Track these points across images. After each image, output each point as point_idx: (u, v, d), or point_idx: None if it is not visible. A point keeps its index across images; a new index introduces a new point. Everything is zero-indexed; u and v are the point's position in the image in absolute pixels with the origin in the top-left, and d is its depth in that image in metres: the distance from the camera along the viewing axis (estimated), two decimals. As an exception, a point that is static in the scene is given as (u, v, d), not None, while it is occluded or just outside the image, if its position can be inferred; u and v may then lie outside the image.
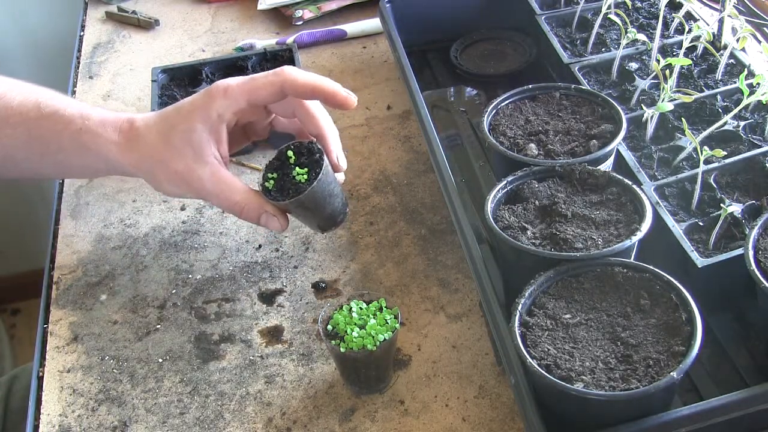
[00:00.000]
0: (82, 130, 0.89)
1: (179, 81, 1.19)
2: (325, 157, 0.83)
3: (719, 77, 1.02)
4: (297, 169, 0.83)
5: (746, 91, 0.89)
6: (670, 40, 1.08)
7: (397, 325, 0.79)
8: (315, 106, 0.89)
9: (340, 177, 0.90)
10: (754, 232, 0.76)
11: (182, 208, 1.08)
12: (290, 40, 1.35)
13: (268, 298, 0.95)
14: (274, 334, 0.90)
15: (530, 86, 0.98)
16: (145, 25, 1.47)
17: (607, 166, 0.89)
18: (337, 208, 0.86)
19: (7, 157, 0.93)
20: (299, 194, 0.81)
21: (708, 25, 1.10)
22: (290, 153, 0.85)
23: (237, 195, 0.85)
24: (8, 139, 0.91)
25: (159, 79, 1.17)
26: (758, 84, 0.90)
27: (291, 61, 1.19)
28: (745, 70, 0.99)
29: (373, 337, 0.78)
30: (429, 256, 0.98)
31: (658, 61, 0.95)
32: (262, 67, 1.20)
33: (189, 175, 0.84)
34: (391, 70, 1.29)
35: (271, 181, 0.85)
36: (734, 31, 1.04)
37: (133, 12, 1.49)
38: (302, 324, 0.91)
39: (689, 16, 1.09)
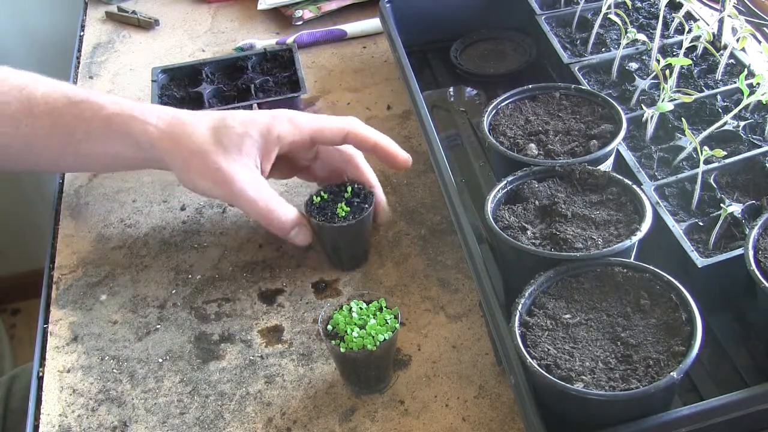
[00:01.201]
0: (115, 114, 0.88)
1: (179, 81, 1.19)
2: (371, 207, 0.91)
3: (719, 77, 1.02)
4: (342, 204, 0.92)
5: (746, 91, 0.89)
6: (670, 40, 1.08)
7: (397, 325, 0.79)
8: (364, 161, 0.94)
9: (385, 217, 0.98)
10: (754, 232, 0.76)
11: (182, 208, 1.08)
12: (290, 40, 1.35)
13: (268, 297, 0.95)
14: (274, 334, 0.90)
15: (530, 86, 0.98)
16: (145, 25, 1.47)
17: (607, 166, 0.89)
18: (357, 254, 0.96)
19: (26, 147, 0.92)
20: (335, 222, 0.90)
21: (708, 25, 1.10)
22: (349, 188, 0.93)
23: (278, 204, 0.87)
24: (29, 128, 0.90)
25: (159, 79, 1.17)
26: (758, 84, 0.90)
27: (291, 62, 1.19)
28: (745, 70, 0.99)
29: (373, 337, 0.78)
30: (429, 256, 0.98)
31: (658, 61, 0.95)
32: (261, 67, 1.20)
33: (229, 175, 0.84)
34: (391, 70, 1.29)
35: (319, 199, 0.93)
36: (734, 31, 1.04)
37: (133, 12, 1.49)
38: (302, 324, 0.91)
39: (689, 16, 1.09)
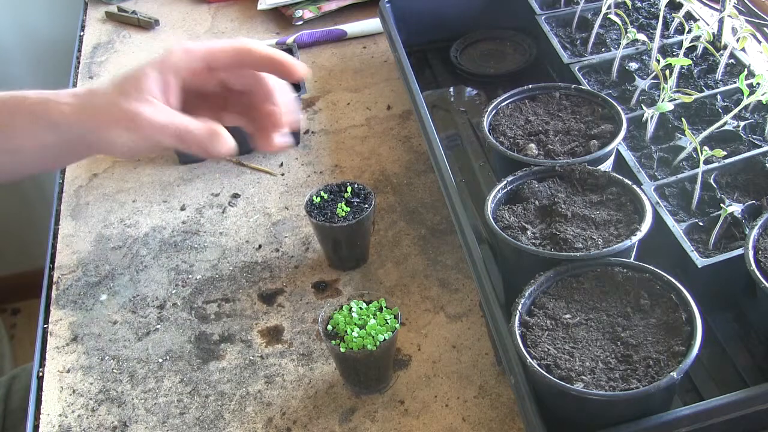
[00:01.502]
0: (37, 103, 0.87)
1: None
2: (371, 207, 0.92)
3: (719, 77, 1.02)
4: (342, 204, 0.93)
5: (746, 91, 0.89)
6: (670, 40, 1.08)
7: (397, 325, 0.79)
8: (273, 80, 0.89)
9: (297, 119, 0.91)
10: (754, 232, 0.76)
11: (182, 208, 1.08)
12: (290, 40, 1.35)
13: (268, 298, 0.95)
14: (274, 334, 0.90)
15: (530, 86, 0.98)
16: (145, 25, 1.47)
17: (607, 166, 0.89)
18: (357, 254, 0.97)
19: None
20: (335, 222, 0.91)
21: (708, 25, 1.10)
22: (349, 188, 0.95)
23: (189, 120, 0.84)
24: None
25: None
26: (758, 84, 0.90)
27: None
28: (745, 70, 0.99)
29: (373, 337, 0.78)
30: (429, 256, 0.98)
31: (658, 61, 0.95)
32: None
33: (133, 113, 0.83)
34: (391, 70, 1.29)
35: (319, 199, 0.94)
36: (734, 31, 1.04)
37: (133, 12, 1.49)
38: (302, 324, 0.91)
39: (689, 16, 1.09)
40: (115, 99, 0.85)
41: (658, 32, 1.04)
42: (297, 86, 1.14)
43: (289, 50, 1.21)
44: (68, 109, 0.88)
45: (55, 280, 0.99)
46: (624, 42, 1.03)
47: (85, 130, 0.88)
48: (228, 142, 0.83)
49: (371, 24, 1.37)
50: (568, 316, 0.72)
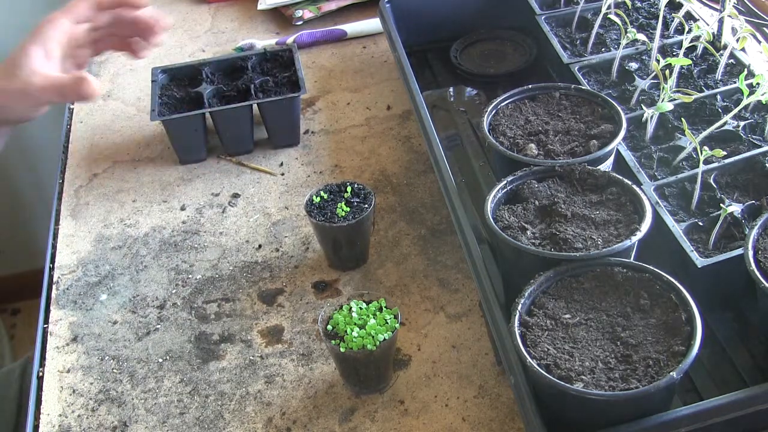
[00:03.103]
0: None
1: (179, 81, 1.19)
2: (371, 207, 0.92)
3: (719, 77, 1.02)
4: (342, 204, 0.93)
5: (746, 91, 0.89)
6: (670, 40, 1.08)
7: (397, 325, 0.79)
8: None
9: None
10: (754, 232, 0.76)
11: (182, 208, 1.08)
12: (290, 40, 1.35)
13: (268, 298, 0.95)
14: (274, 334, 0.90)
15: (530, 86, 0.98)
16: (145, 25, 1.47)
17: (607, 166, 0.89)
18: (357, 254, 0.96)
19: None
20: (335, 222, 0.92)
21: (708, 25, 1.10)
22: (349, 188, 0.95)
23: (59, 76, 0.94)
24: None
25: (159, 79, 1.17)
26: (758, 84, 0.90)
27: (291, 62, 1.19)
28: (745, 70, 0.99)
29: (373, 337, 0.78)
30: (429, 256, 0.98)
31: (658, 61, 0.95)
32: (261, 67, 1.20)
33: (22, 87, 0.93)
34: (391, 70, 1.29)
35: (319, 199, 0.94)
36: (734, 31, 1.04)
37: (133, 12, 1.49)
38: (302, 324, 0.91)
39: (689, 16, 1.09)
40: (3, 83, 0.95)
41: (658, 32, 1.04)
42: (297, 86, 1.14)
43: (289, 50, 1.21)
44: None
45: (55, 280, 0.99)
46: (624, 42, 1.03)
47: None
48: (93, 86, 0.93)
49: (371, 24, 1.37)
50: (567, 316, 0.72)
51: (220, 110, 1.11)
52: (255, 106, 1.13)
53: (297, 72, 1.16)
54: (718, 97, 0.98)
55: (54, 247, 1.04)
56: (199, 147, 1.15)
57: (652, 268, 0.74)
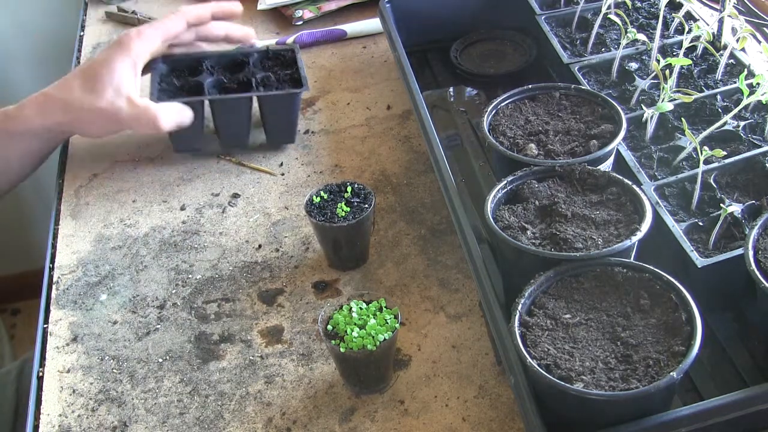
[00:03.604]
0: (6, 118, 1.02)
1: (179, 72, 1.16)
2: (371, 207, 0.92)
3: (719, 77, 1.02)
4: (342, 204, 0.93)
5: (746, 91, 0.89)
6: (670, 40, 1.08)
7: (397, 325, 0.79)
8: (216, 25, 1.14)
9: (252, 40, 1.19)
10: (754, 232, 0.76)
11: (182, 208, 1.08)
12: (290, 40, 1.35)
13: (268, 298, 0.95)
14: (274, 334, 0.90)
15: (530, 86, 0.98)
16: (145, 25, 1.47)
17: (607, 166, 0.89)
18: (357, 254, 0.96)
19: None
20: (335, 222, 0.92)
21: (708, 25, 1.10)
22: (349, 188, 0.95)
23: (150, 107, 1.00)
24: None
25: (158, 67, 1.15)
26: (758, 84, 0.90)
27: (293, 61, 1.18)
28: (745, 70, 0.99)
29: (373, 337, 0.78)
30: (429, 256, 0.98)
31: (658, 61, 0.95)
32: (263, 64, 1.19)
33: (110, 110, 0.97)
34: (391, 70, 1.29)
35: (319, 199, 0.94)
36: (734, 31, 1.04)
37: (133, 12, 1.49)
38: (302, 324, 0.91)
39: (689, 16, 1.09)
40: (88, 101, 0.99)
41: (658, 32, 1.04)
42: (299, 83, 1.13)
43: (292, 50, 1.20)
44: (39, 120, 1.02)
45: (55, 280, 0.99)
46: (624, 42, 1.03)
47: (60, 127, 1.04)
48: (163, 122, 1.00)
49: (371, 24, 1.37)
50: (568, 316, 0.72)
51: (219, 99, 1.10)
52: (255, 99, 1.12)
53: (299, 70, 1.15)
54: (718, 97, 0.98)
55: (54, 247, 1.04)
56: (196, 136, 1.13)
57: (652, 268, 0.74)
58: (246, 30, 1.16)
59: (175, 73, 1.16)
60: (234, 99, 1.11)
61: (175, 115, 1.03)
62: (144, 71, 1.07)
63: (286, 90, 1.11)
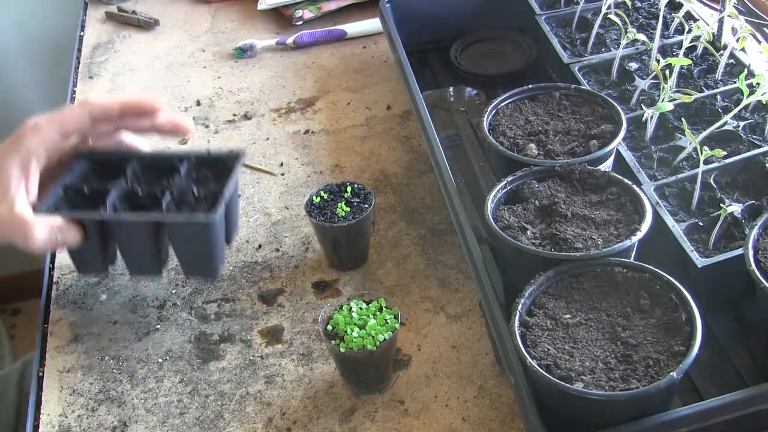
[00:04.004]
0: None
1: (101, 174, 0.91)
2: (371, 207, 0.92)
3: (719, 77, 1.02)
4: (342, 204, 0.93)
5: (746, 91, 0.89)
6: (670, 40, 1.08)
7: (397, 325, 0.79)
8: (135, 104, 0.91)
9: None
10: (754, 232, 0.76)
11: (182, 208, 1.07)
12: (290, 40, 1.35)
13: (268, 298, 0.95)
14: (274, 334, 0.90)
15: (530, 86, 0.98)
16: (145, 25, 1.47)
17: (607, 166, 0.89)
18: (357, 254, 0.96)
19: None
20: (335, 222, 0.91)
21: (708, 25, 1.10)
22: (349, 188, 0.95)
23: (25, 217, 0.83)
24: None
25: (76, 167, 0.91)
26: (758, 84, 0.90)
27: (230, 169, 0.90)
28: (745, 70, 0.99)
29: (373, 337, 0.78)
30: (429, 256, 0.98)
31: (658, 61, 0.95)
32: (197, 173, 0.92)
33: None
34: (391, 70, 1.29)
35: (319, 199, 0.94)
36: (734, 31, 1.04)
37: (133, 12, 1.49)
38: (302, 324, 0.91)
39: (689, 16, 1.09)
40: None
41: (658, 32, 1.04)
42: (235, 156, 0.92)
43: (237, 156, 0.92)
44: None
45: (55, 280, 0.99)
46: (624, 42, 1.03)
47: None
48: (75, 234, 0.83)
49: (371, 24, 1.37)
50: (568, 316, 0.72)
51: (114, 219, 0.85)
52: (158, 224, 0.86)
53: (225, 187, 0.85)
54: (718, 97, 0.98)
55: (54, 247, 1.04)
56: (95, 257, 0.88)
57: (652, 268, 0.74)
58: (180, 120, 0.92)
59: (98, 175, 0.92)
60: (128, 222, 0.86)
61: (52, 232, 0.83)
62: (62, 166, 0.91)
63: (188, 216, 0.84)
